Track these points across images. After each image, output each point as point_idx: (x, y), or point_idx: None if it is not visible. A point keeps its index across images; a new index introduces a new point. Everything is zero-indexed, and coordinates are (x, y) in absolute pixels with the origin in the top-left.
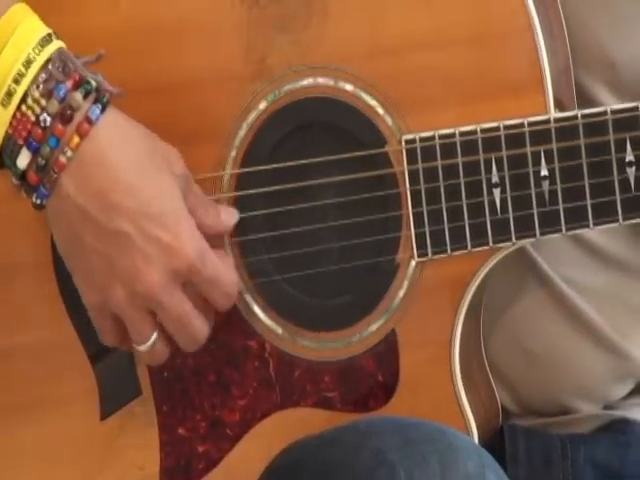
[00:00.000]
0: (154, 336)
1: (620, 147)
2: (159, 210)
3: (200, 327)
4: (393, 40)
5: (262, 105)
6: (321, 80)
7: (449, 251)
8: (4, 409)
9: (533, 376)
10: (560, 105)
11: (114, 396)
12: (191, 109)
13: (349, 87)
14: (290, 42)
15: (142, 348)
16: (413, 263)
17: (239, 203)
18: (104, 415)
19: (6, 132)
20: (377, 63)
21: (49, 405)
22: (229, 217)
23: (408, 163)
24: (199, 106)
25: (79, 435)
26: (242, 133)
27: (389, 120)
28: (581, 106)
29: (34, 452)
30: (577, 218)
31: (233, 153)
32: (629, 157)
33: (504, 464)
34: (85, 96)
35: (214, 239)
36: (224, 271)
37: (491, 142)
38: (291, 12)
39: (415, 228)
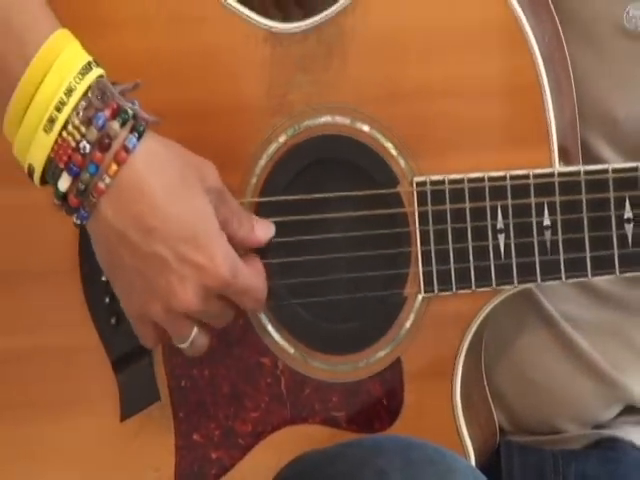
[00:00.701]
0: (194, 333)
1: (619, 204)
2: (193, 233)
3: (230, 314)
4: (409, 86)
5: (282, 138)
6: (339, 119)
7: (454, 289)
8: (27, 406)
9: (530, 401)
10: (565, 158)
11: (134, 400)
12: (216, 137)
13: (365, 128)
14: (310, 82)
15: (183, 346)
16: (420, 297)
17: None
18: (124, 417)
19: (48, 156)
20: (393, 107)
21: (71, 405)
22: (264, 230)
23: (418, 204)
24: (223, 135)
25: (99, 434)
26: (262, 163)
27: (402, 162)
28: (584, 160)
29: (53, 449)
30: (576, 268)
31: (254, 180)
32: (628, 214)
33: (500, 479)
34: (122, 124)
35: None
36: (255, 280)
37: (497, 190)
38: (312, 53)
39: (423, 266)
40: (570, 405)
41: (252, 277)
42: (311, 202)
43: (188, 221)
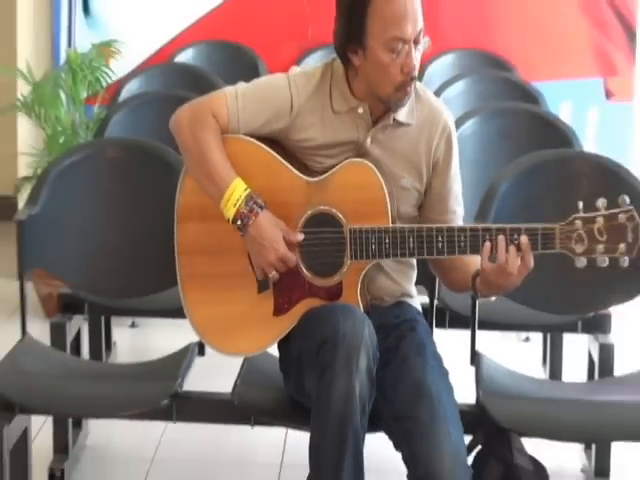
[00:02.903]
0: (274, 272)
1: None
2: (275, 239)
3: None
4: (348, 200)
5: (309, 212)
6: (326, 207)
7: (360, 259)
8: (222, 289)
9: (371, 289)
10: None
11: (262, 286)
12: (283, 214)
13: (334, 211)
14: (319, 198)
15: (271, 276)
16: (349, 262)
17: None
18: (259, 292)
19: (234, 214)
20: (345, 206)
21: (242, 286)
22: (299, 236)
23: (350, 236)
24: (286, 213)
25: (250, 294)
26: (301, 222)
27: (345, 221)
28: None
29: (232, 302)
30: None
31: (298, 228)
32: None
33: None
34: (257, 206)
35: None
36: (293, 259)
37: (379, 234)
38: (320, 189)
39: (349, 251)
40: (388, 292)
41: (293, 258)
42: (317, 231)
43: (274, 235)
